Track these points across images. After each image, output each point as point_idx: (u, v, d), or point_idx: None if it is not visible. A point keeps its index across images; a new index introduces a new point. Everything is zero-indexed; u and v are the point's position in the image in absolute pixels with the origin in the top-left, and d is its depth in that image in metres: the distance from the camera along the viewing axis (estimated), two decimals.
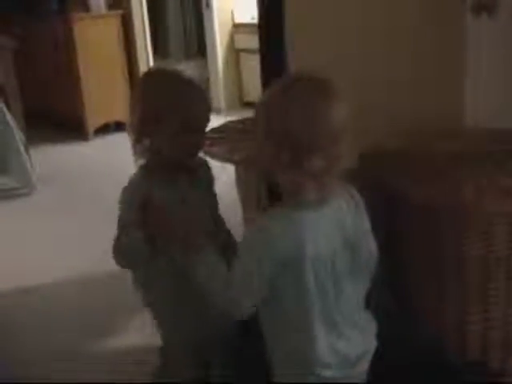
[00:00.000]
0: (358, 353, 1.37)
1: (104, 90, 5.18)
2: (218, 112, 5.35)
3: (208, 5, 5.39)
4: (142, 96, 1.53)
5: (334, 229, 1.29)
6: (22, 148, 3.89)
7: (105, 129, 5.32)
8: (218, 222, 1.68)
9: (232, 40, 5.57)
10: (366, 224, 1.39)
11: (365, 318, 1.41)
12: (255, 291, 1.29)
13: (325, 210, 1.28)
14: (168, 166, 1.53)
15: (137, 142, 1.52)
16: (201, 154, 1.63)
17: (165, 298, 1.58)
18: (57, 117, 5.58)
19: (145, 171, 1.55)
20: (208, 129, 1.59)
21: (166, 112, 1.48)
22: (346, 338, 1.34)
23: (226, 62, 5.59)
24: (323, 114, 1.23)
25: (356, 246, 1.33)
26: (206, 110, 1.55)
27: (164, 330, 1.66)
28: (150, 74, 1.80)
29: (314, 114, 1.23)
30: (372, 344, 1.41)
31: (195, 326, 1.59)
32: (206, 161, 1.69)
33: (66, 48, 5.11)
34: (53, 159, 4.70)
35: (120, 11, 5.29)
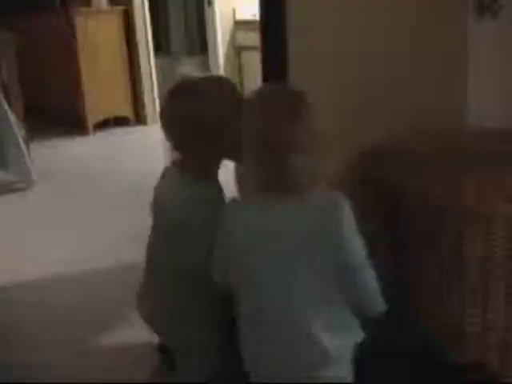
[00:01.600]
0: (307, 358, 1.30)
1: (104, 85, 5.18)
2: None
3: (209, 2, 5.38)
4: (185, 112, 1.52)
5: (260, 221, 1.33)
6: (21, 142, 3.89)
7: (104, 124, 5.32)
8: None
9: (233, 37, 5.56)
10: (340, 236, 1.28)
11: (330, 327, 1.31)
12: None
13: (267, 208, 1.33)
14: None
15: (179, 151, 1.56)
16: None
17: (184, 299, 1.59)
18: (57, 112, 5.58)
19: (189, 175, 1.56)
20: None
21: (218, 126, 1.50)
22: (281, 338, 1.30)
23: (227, 59, 5.58)
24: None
25: (314, 247, 1.28)
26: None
27: (175, 332, 1.66)
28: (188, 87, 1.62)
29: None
30: (327, 354, 1.30)
31: (204, 326, 1.60)
32: None
33: (67, 43, 5.10)
34: (52, 154, 4.70)
35: (121, 7, 5.28)
